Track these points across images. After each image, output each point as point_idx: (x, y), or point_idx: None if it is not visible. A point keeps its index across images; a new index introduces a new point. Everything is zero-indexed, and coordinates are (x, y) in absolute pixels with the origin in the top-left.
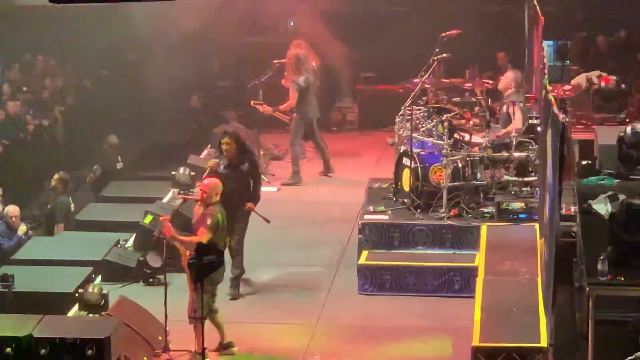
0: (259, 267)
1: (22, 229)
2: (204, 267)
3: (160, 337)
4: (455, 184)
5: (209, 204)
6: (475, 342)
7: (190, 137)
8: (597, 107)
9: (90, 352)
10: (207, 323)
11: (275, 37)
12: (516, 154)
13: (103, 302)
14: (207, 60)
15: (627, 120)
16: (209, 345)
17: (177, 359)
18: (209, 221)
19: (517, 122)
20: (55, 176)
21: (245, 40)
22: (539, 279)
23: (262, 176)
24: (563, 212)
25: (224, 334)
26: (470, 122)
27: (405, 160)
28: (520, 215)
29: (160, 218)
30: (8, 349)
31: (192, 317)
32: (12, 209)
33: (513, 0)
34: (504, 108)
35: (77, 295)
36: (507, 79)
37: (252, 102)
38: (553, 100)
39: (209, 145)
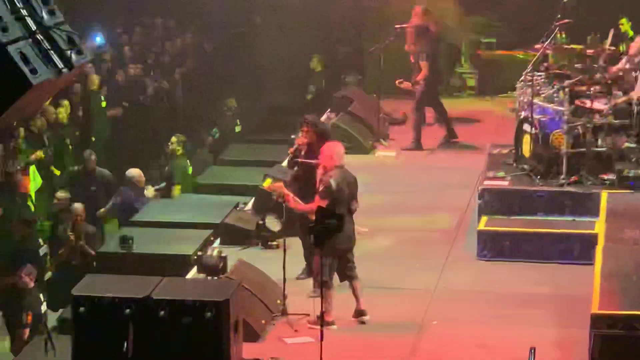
0: (379, 232)
1: (151, 191)
2: (322, 231)
3: (278, 301)
4: (576, 150)
5: (329, 168)
6: (595, 310)
7: (311, 100)
8: None
9: (209, 314)
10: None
11: (396, 1)
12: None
13: (222, 265)
14: (328, 25)
15: None
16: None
17: (295, 322)
18: (320, 187)
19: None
20: (173, 139)
21: (365, 4)
22: None
23: (382, 141)
24: None
25: (359, 300)
26: (592, 89)
27: (526, 127)
28: None
29: (277, 187)
30: (127, 310)
31: (315, 280)
32: (137, 172)
33: None
34: (632, 74)
35: (196, 258)
36: (638, 44)
37: (397, 82)
38: None
39: (329, 109)
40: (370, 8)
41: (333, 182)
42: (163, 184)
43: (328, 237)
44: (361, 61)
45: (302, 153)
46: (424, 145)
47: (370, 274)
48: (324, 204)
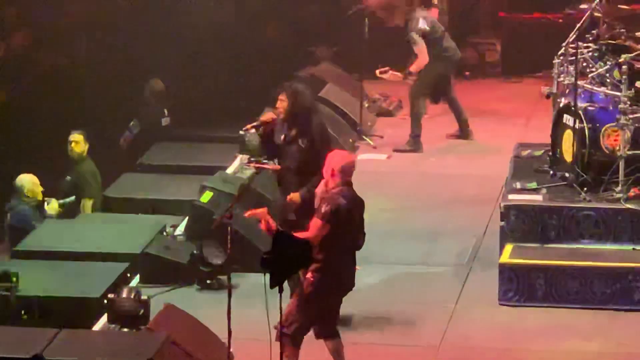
0: (364, 265)
1: (54, 206)
2: (282, 266)
3: None
4: (637, 152)
5: (335, 184)
6: None
7: (267, 81)
8: None
9: None
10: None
11: None
12: None
13: (142, 311)
14: None
15: None
16: None
17: None
18: (324, 208)
19: None
20: (73, 136)
21: None
22: None
23: (367, 139)
24: None
25: None
26: None
27: (567, 119)
28: None
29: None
30: None
31: (281, 332)
32: (29, 180)
33: None
34: None
35: (106, 301)
36: None
37: (377, 72)
38: None
39: None
40: None
41: (343, 204)
42: (72, 198)
43: (290, 275)
44: (337, 27)
45: (269, 132)
46: (426, 145)
47: (353, 324)
48: (324, 230)
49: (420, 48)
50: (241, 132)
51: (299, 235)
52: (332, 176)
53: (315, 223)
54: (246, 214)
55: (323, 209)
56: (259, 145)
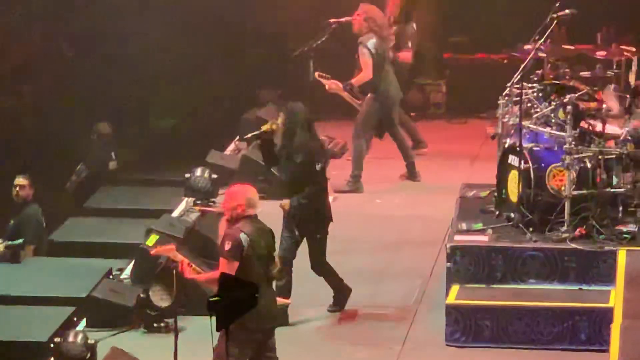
0: (305, 307)
1: None
2: (228, 309)
3: None
4: (582, 192)
5: (235, 219)
6: None
7: (212, 124)
8: None
9: None
10: None
11: None
12: None
13: (89, 355)
14: (237, 21)
15: None
16: None
17: None
18: (226, 246)
19: None
20: (19, 180)
21: None
22: None
23: None
24: None
25: None
26: (604, 106)
27: (513, 159)
28: None
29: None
30: None
31: None
32: None
33: None
34: None
35: (52, 345)
36: None
37: (316, 74)
38: None
39: (237, 137)
40: None
41: (244, 238)
42: (20, 241)
43: (237, 317)
44: (282, 69)
45: (269, 142)
46: (372, 186)
47: None
48: (231, 268)
49: (367, 61)
50: (186, 176)
51: (211, 275)
52: (232, 210)
53: (222, 262)
54: (152, 252)
55: (225, 247)
56: (210, 186)
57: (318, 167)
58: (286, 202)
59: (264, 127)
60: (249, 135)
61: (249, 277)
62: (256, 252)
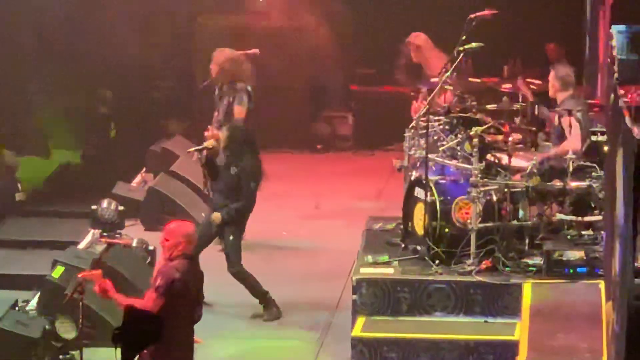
0: (214, 339)
1: None
2: (133, 341)
3: None
4: (488, 224)
5: (172, 256)
6: None
7: (118, 156)
8: None
9: None
10: None
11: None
12: (573, 184)
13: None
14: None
15: None
16: None
17: None
18: (158, 281)
19: (575, 140)
20: None
21: (198, 21)
22: (605, 359)
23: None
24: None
25: None
26: (510, 139)
27: (419, 192)
28: (578, 270)
29: (87, 275)
30: None
31: None
32: None
33: None
34: (557, 119)
35: None
36: (550, 78)
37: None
38: (626, 108)
39: (144, 169)
40: (207, 24)
41: (177, 279)
42: None
43: (141, 349)
44: (189, 100)
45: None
46: (278, 219)
47: None
48: (157, 304)
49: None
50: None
51: (133, 302)
52: (172, 247)
53: (150, 296)
54: (79, 275)
55: (158, 282)
56: (116, 218)
57: (252, 185)
58: (217, 214)
59: (207, 143)
60: (192, 149)
61: (173, 316)
62: (185, 294)
